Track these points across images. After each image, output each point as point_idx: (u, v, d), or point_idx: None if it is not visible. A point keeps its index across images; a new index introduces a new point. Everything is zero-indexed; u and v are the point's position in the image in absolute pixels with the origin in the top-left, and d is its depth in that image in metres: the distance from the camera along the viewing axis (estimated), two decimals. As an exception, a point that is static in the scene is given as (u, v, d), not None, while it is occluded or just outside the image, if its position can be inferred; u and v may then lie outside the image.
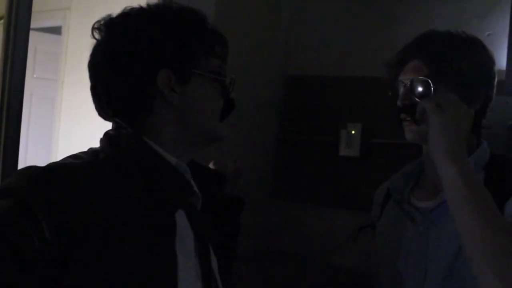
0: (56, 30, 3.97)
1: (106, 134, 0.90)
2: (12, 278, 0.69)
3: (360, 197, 2.26)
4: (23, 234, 0.70)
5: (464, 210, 0.90)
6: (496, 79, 1.13)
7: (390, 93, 1.14)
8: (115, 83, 0.87)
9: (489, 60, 1.12)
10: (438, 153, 0.94)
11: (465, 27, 2.02)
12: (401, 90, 1.09)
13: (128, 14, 0.91)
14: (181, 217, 0.88)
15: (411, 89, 1.05)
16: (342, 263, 2.21)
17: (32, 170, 0.77)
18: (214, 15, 2.16)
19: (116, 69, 0.87)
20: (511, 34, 1.95)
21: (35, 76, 4.05)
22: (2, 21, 1.35)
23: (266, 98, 2.49)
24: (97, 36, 0.91)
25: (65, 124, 3.66)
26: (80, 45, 3.56)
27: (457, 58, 1.08)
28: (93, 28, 0.91)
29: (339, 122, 2.33)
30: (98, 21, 0.91)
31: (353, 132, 2.30)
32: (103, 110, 0.91)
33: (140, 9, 0.91)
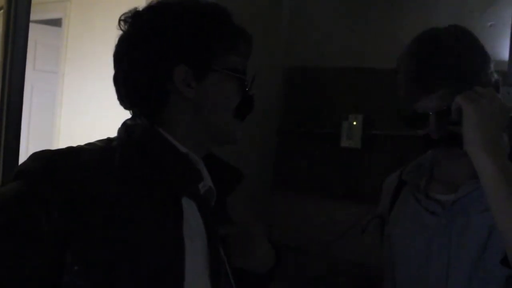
0: (56, 23, 3.96)
1: (124, 123, 0.92)
2: (19, 255, 0.73)
3: (362, 188, 2.27)
4: (31, 214, 0.73)
5: (502, 201, 0.90)
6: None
7: (409, 123, 1.09)
8: (134, 74, 0.89)
9: (486, 52, 1.10)
10: (473, 147, 0.94)
11: (467, 17, 2.01)
12: (430, 120, 1.04)
13: (153, 8, 0.92)
14: (190, 206, 0.88)
15: (446, 118, 1.02)
16: (344, 254, 2.21)
17: (44, 153, 0.81)
18: (214, 7, 2.15)
19: (135, 61, 0.89)
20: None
21: (35, 68, 4.05)
22: (1, 11, 1.34)
23: (266, 89, 2.48)
24: (123, 27, 0.92)
25: (66, 116, 3.66)
26: (80, 38, 3.56)
27: (476, 71, 1.06)
28: (119, 20, 0.92)
29: (340, 113, 2.33)
30: (125, 13, 0.93)
31: (354, 123, 2.29)
32: (122, 100, 0.93)
33: (165, 3, 0.92)
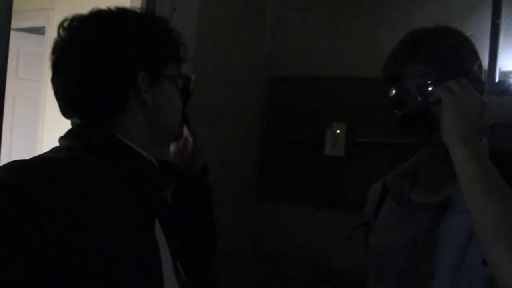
0: (39, 31, 3.94)
1: (73, 132, 0.92)
2: (12, 270, 0.70)
3: (346, 196, 2.28)
4: (18, 222, 0.71)
5: (476, 189, 0.91)
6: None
7: (391, 101, 1.11)
8: (93, 82, 0.88)
9: (476, 51, 1.14)
10: (450, 137, 0.97)
11: (447, 27, 2.04)
12: (410, 97, 1.07)
13: (103, 15, 0.93)
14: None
15: (422, 94, 1.05)
16: (329, 262, 2.22)
17: (19, 163, 0.79)
18: (198, 17, 2.16)
19: (95, 70, 0.88)
20: (492, 34, 1.98)
21: (18, 77, 4.01)
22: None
23: (250, 99, 2.49)
24: (64, 34, 0.92)
25: (49, 125, 3.63)
26: (63, 46, 3.53)
27: (458, 53, 1.09)
28: (62, 27, 0.92)
29: (324, 122, 2.34)
30: (67, 20, 0.92)
31: (338, 131, 2.31)
32: (75, 107, 0.92)
33: (110, 11, 0.94)
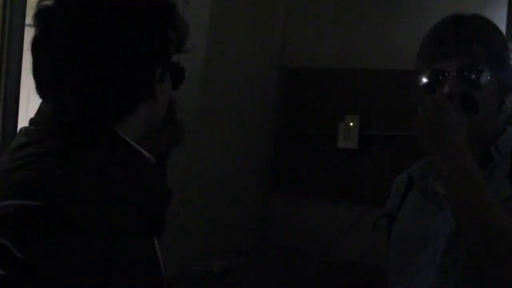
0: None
1: (59, 123, 0.81)
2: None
3: (359, 189, 2.27)
4: (67, 246, 0.69)
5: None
6: None
7: (422, 85, 1.10)
8: (119, 79, 0.80)
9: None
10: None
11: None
12: (447, 80, 1.07)
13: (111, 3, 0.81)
14: None
15: (465, 77, 1.05)
16: (342, 254, 2.22)
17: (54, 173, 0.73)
18: (210, 10, 2.16)
19: (121, 65, 0.79)
20: (508, 25, 1.95)
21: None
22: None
23: (263, 91, 2.49)
24: (72, 19, 0.80)
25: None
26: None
27: (500, 38, 1.11)
28: (72, 13, 0.80)
29: (337, 114, 2.33)
30: (72, 4, 0.81)
31: (351, 124, 2.30)
32: (75, 104, 0.81)
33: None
